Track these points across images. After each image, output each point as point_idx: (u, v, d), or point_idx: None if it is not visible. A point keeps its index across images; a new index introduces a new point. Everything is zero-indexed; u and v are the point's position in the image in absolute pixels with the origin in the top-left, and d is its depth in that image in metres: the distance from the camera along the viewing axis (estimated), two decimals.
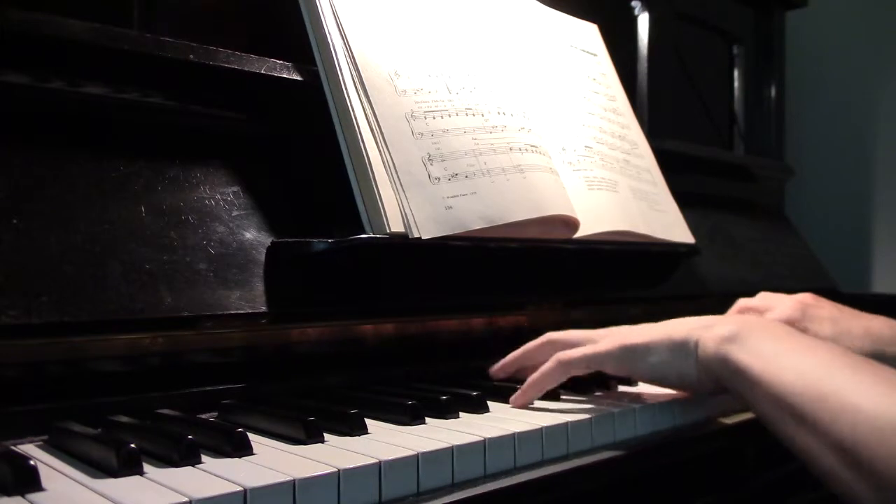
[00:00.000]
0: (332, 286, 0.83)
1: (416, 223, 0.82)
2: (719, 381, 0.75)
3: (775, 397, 0.68)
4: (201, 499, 0.48)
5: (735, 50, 1.87)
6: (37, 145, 0.74)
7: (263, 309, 0.79)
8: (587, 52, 1.24)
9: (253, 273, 0.80)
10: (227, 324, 0.77)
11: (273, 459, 0.58)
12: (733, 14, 1.84)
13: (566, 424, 0.71)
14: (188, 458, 0.56)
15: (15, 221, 0.68)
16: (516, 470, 0.65)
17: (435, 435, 0.65)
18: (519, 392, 0.80)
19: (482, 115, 0.94)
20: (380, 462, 0.57)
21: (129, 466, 0.54)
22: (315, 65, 0.87)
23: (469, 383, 0.86)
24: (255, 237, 0.82)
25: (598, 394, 0.87)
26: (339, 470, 0.54)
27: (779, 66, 1.92)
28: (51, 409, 0.67)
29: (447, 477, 0.61)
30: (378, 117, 0.85)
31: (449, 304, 0.97)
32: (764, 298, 1.06)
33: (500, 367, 0.90)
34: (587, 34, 1.27)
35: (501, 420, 0.72)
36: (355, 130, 0.84)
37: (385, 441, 0.63)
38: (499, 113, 0.97)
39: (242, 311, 0.77)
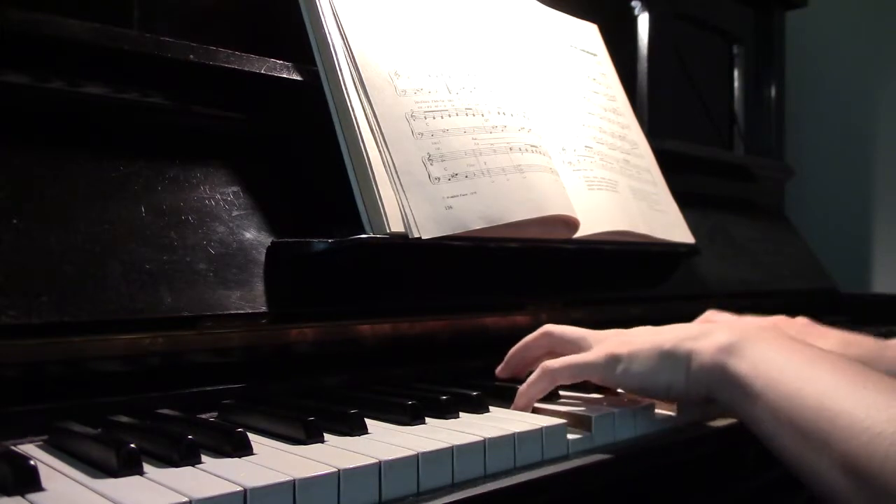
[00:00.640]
0: (332, 286, 0.83)
1: (416, 223, 0.82)
2: (712, 392, 0.72)
3: (776, 411, 0.65)
4: (201, 499, 0.48)
5: (735, 50, 1.87)
6: (37, 145, 0.74)
7: (263, 309, 0.79)
8: (587, 52, 1.24)
9: (253, 273, 0.80)
10: (227, 324, 0.77)
11: (273, 459, 0.58)
12: (733, 14, 1.85)
13: (566, 424, 0.71)
14: (188, 458, 0.56)
15: (15, 221, 0.68)
16: (516, 470, 0.65)
17: (435, 435, 0.65)
18: (514, 404, 0.79)
19: (482, 115, 0.94)
20: (380, 462, 0.57)
21: (129, 466, 0.54)
22: (315, 65, 0.87)
23: (469, 383, 0.86)
24: (255, 237, 0.82)
25: (598, 394, 0.86)
26: (339, 470, 0.54)
27: (779, 66, 1.92)
28: (51, 409, 0.67)
29: (447, 477, 0.61)
30: (378, 117, 0.85)
31: (449, 305, 0.97)
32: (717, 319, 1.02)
33: (504, 365, 0.88)
34: (587, 34, 1.27)
35: (501, 420, 0.71)
36: (355, 130, 0.84)
37: (385, 441, 0.63)
38: (499, 113, 0.97)
39: (242, 311, 0.77)
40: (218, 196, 0.83)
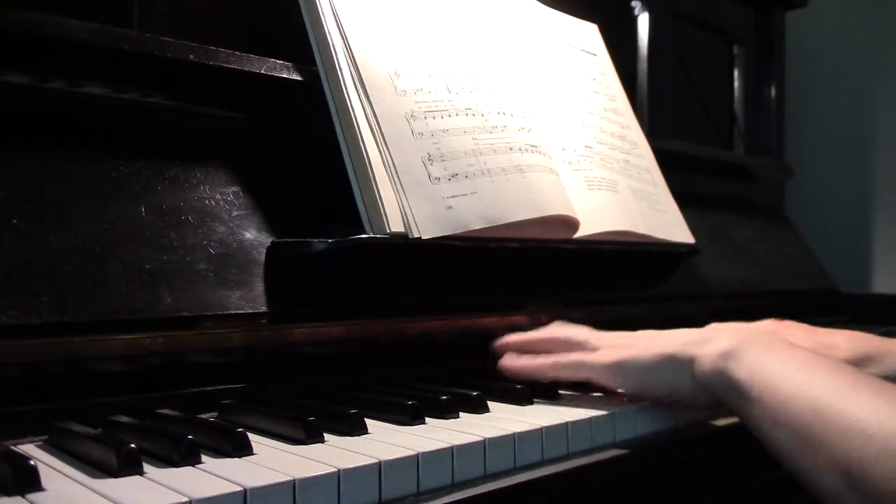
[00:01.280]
0: (332, 286, 0.83)
1: (416, 223, 0.82)
2: (716, 397, 0.73)
3: (773, 415, 0.66)
4: (201, 499, 0.48)
5: (735, 50, 1.87)
6: (37, 145, 0.74)
7: (263, 309, 0.79)
8: (587, 52, 1.24)
9: (253, 273, 0.80)
10: (227, 324, 0.77)
11: (273, 459, 0.58)
12: (733, 14, 1.85)
13: (566, 424, 0.71)
14: (188, 458, 0.56)
15: (15, 221, 0.68)
16: (516, 470, 0.65)
17: (435, 435, 0.65)
18: (515, 361, 0.82)
19: (482, 115, 0.94)
20: (380, 462, 0.57)
21: (129, 466, 0.54)
22: (315, 65, 0.87)
23: (469, 383, 0.86)
24: (255, 237, 0.82)
25: (598, 394, 0.86)
26: (339, 470, 0.54)
27: (779, 66, 1.93)
28: (51, 409, 0.67)
29: (447, 477, 0.61)
30: (378, 117, 0.85)
31: (449, 305, 0.97)
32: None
33: (502, 342, 0.90)
34: (587, 34, 1.27)
35: (501, 420, 0.71)
36: (355, 130, 0.84)
37: (385, 441, 0.63)
38: (499, 113, 0.97)
39: (242, 311, 0.77)
40: (218, 196, 0.83)
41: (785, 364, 0.69)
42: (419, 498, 0.58)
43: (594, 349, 0.81)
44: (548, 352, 0.85)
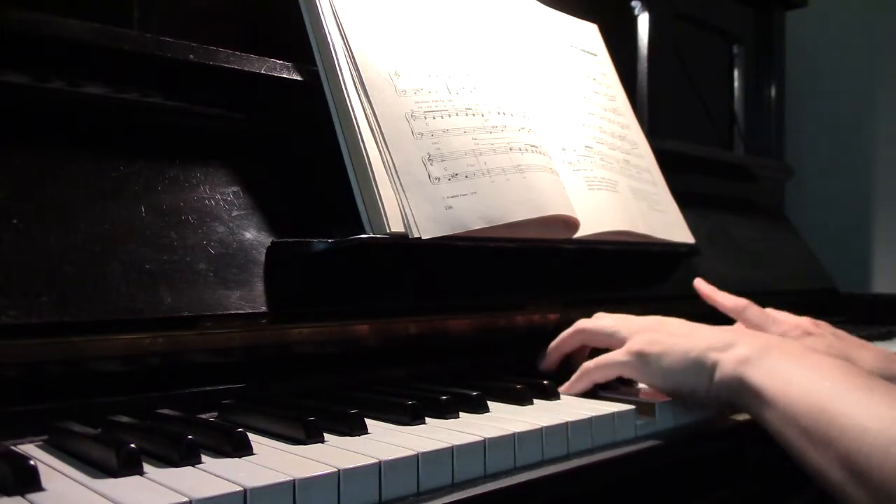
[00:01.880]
0: (332, 286, 0.83)
1: (415, 223, 0.82)
2: (734, 401, 0.78)
3: (785, 415, 0.71)
4: (201, 499, 0.48)
5: (735, 50, 1.87)
6: (37, 145, 0.74)
7: (263, 309, 0.79)
8: (587, 52, 1.24)
9: (253, 273, 0.80)
10: (227, 324, 0.77)
11: (273, 459, 0.58)
12: (733, 14, 1.85)
13: (566, 424, 0.71)
14: (188, 458, 0.56)
15: (15, 221, 0.68)
16: (516, 470, 0.65)
17: (435, 435, 0.65)
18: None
19: (482, 115, 0.94)
20: (380, 462, 0.57)
21: (129, 466, 0.54)
22: (315, 65, 0.87)
23: (469, 383, 0.86)
24: (255, 237, 0.82)
25: (600, 393, 0.87)
26: (339, 470, 0.54)
27: (779, 66, 1.93)
28: (51, 409, 0.67)
29: (447, 477, 0.61)
30: (378, 117, 0.85)
31: (449, 304, 0.97)
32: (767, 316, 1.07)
33: (545, 359, 0.96)
34: (587, 34, 1.27)
35: (501, 420, 0.71)
36: (355, 130, 0.84)
37: (385, 441, 0.63)
38: (499, 113, 0.97)
39: (242, 311, 0.77)
40: (218, 196, 0.83)
41: (797, 368, 0.73)
42: (419, 498, 0.58)
43: (622, 340, 0.86)
44: (581, 344, 0.93)
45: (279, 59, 0.89)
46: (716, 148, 1.78)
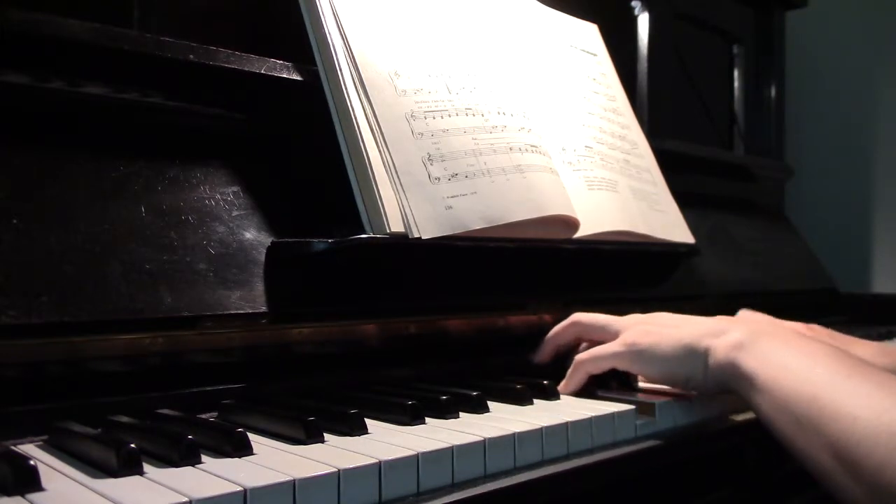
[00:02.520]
0: (331, 286, 0.83)
1: (415, 223, 0.82)
2: (727, 386, 0.78)
3: (777, 401, 0.71)
4: (201, 499, 0.48)
5: (735, 50, 1.87)
6: (37, 145, 0.74)
7: (263, 309, 0.79)
8: (587, 52, 1.24)
9: (253, 273, 0.80)
10: (227, 324, 0.77)
11: (273, 459, 0.58)
12: (733, 14, 1.85)
13: (566, 424, 0.71)
14: (188, 458, 0.56)
15: (15, 221, 0.68)
16: (516, 470, 0.65)
17: (435, 435, 0.65)
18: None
19: (482, 115, 0.94)
20: (380, 462, 0.57)
21: (129, 466, 0.54)
22: (315, 65, 0.87)
23: (469, 383, 0.86)
24: (255, 237, 0.82)
25: (599, 393, 0.87)
26: (339, 470, 0.54)
27: (779, 66, 1.93)
28: (51, 409, 0.67)
29: (447, 477, 0.61)
30: (378, 117, 0.85)
31: (449, 305, 0.97)
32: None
33: (539, 353, 0.96)
34: (587, 34, 1.27)
35: (501, 420, 0.71)
36: (355, 130, 0.84)
37: (385, 441, 0.63)
38: (499, 113, 0.97)
39: (242, 311, 0.77)
40: (218, 196, 0.83)
41: (790, 354, 0.73)
42: (419, 498, 0.58)
43: (616, 333, 0.87)
44: (575, 337, 0.93)
45: (279, 59, 0.89)
46: (716, 148, 1.78)
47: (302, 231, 0.84)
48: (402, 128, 0.87)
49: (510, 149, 0.94)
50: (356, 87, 0.86)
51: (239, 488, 0.50)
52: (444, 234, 0.84)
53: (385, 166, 0.84)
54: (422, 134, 0.88)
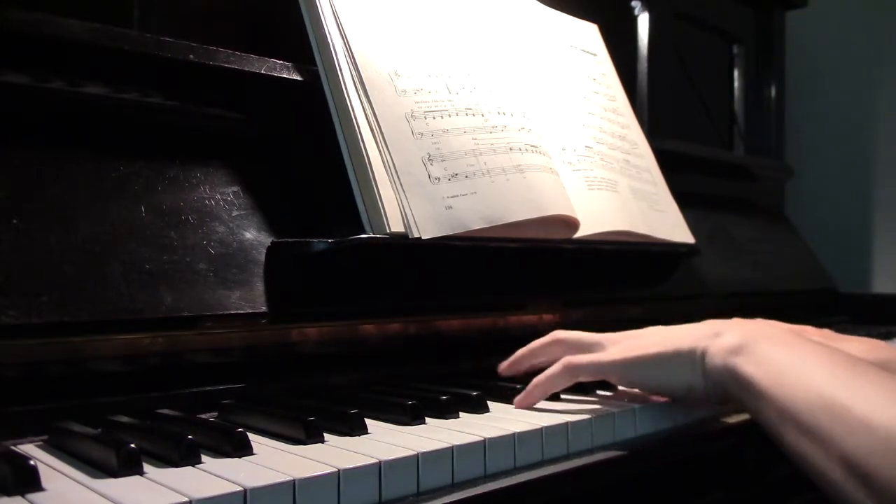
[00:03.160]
0: (332, 286, 0.83)
1: (416, 223, 0.82)
2: (727, 393, 0.74)
3: (781, 409, 0.67)
4: (201, 499, 0.48)
5: (735, 50, 1.87)
6: (37, 145, 0.74)
7: (263, 309, 0.79)
8: (587, 52, 1.24)
9: (253, 273, 0.80)
10: (227, 324, 0.77)
11: (273, 459, 0.58)
12: (733, 14, 1.85)
13: (566, 424, 0.71)
14: (188, 458, 0.56)
15: (15, 221, 0.68)
16: (516, 470, 0.65)
17: (435, 435, 0.65)
18: (523, 393, 0.79)
19: (482, 115, 0.94)
20: (380, 462, 0.57)
21: (129, 466, 0.54)
22: (315, 65, 0.87)
23: (469, 383, 0.86)
24: (255, 237, 0.82)
25: (598, 393, 0.87)
26: (339, 470, 0.54)
27: (779, 66, 1.93)
28: (51, 409, 0.67)
29: (447, 477, 0.61)
30: (378, 117, 0.85)
31: (449, 305, 0.97)
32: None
33: (508, 364, 0.89)
34: (587, 34, 1.27)
35: (501, 420, 0.71)
36: (355, 130, 0.84)
37: (385, 441, 0.63)
38: (499, 113, 0.97)
39: (242, 311, 0.77)
40: (218, 196, 0.83)
41: (792, 357, 0.69)
42: (419, 498, 0.58)
43: (604, 348, 0.81)
44: (555, 356, 0.83)
45: (279, 59, 0.89)
46: (716, 148, 1.78)
47: (302, 231, 0.84)
48: (402, 128, 0.87)
49: (510, 149, 0.94)
50: (356, 87, 0.86)
51: (239, 488, 0.50)
52: (444, 234, 0.84)
53: (385, 166, 0.84)
54: (422, 134, 0.88)
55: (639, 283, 1.19)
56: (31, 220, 0.69)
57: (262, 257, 0.81)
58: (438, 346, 0.95)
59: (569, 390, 0.86)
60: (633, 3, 1.55)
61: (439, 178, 0.86)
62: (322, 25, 0.87)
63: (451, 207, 0.85)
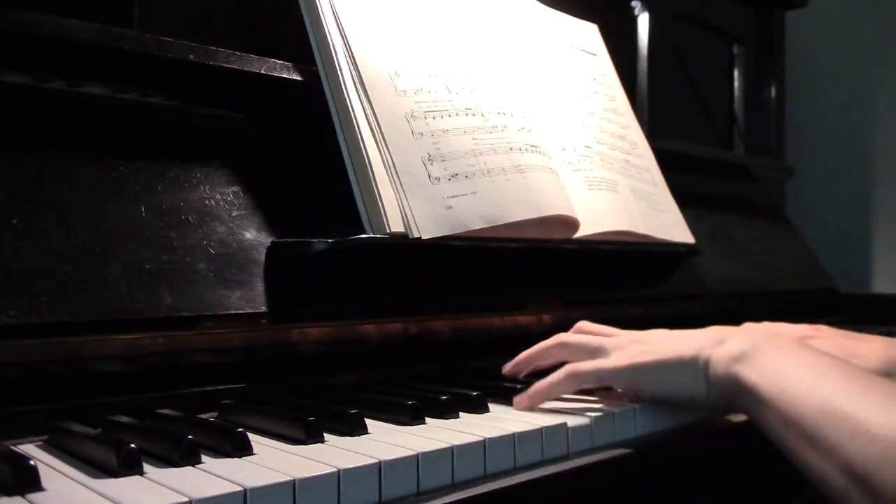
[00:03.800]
0: (332, 286, 0.83)
1: (416, 223, 0.82)
2: (731, 401, 0.74)
3: (785, 417, 0.67)
4: (201, 499, 0.48)
5: (735, 50, 1.87)
6: (37, 145, 0.74)
7: (263, 309, 0.79)
8: (587, 52, 1.24)
9: (253, 273, 0.80)
10: (227, 324, 0.77)
11: (273, 459, 0.58)
12: (733, 14, 1.85)
13: (566, 424, 0.71)
14: (188, 458, 0.56)
15: (15, 221, 0.68)
16: (516, 470, 0.65)
17: (435, 435, 0.65)
18: (525, 396, 0.79)
19: (482, 115, 0.94)
20: (380, 462, 0.57)
21: (129, 466, 0.54)
22: (315, 65, 0.87)
23: (469, 383, 0.86)
24: (255, 237, 0.82)
25: (598, 393, 0.86)
26: (339, 470, 0.54)
27: (779, 66, 1.93)
28: (51, 409, 0.67)
29: (447, 477, 0.61)
30: (378, 117, 0.85)
31: (449, 304, 0.97)
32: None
33: (513, 365, 0.89)
34: (587, 34, 1.27)
35: (501, 420, 0.71)
36: (355, 130, 0.84)
37: (385, 441, 0.63)
38: (499, 113, 0.97)
39: (242, 311, 0.77)
40: (218, 196, 0.83)
41: (796, 366, 0.69)
42: (419, 498, 0.58)
43: (608, 354, 0.81)
44: (559, 359, 0.84)
45: (279, 59, 0.89)
46: (716, 148, 1.78)
47: (302, 231, 0.84)
48: (402, 128, 0.87)
49: (510, 149, 0.94)
50: (356, 87, 0.86)
51: (239, 488, 0.50)
52: (444, 234, 0.84)
53: (385, 166, 0.84)
54: (422, 134, 0.88)
55: (639, 283, 1.19)
56: (31, 220, 0.69)
57: (262, 257, 0.81)
58: (438, 346, 0.95)
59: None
60: (633, 3, 1.55)
61: (439, 178, 0.86)
62: (322, 25, 0.87)
63: (451, 207, 0.85)
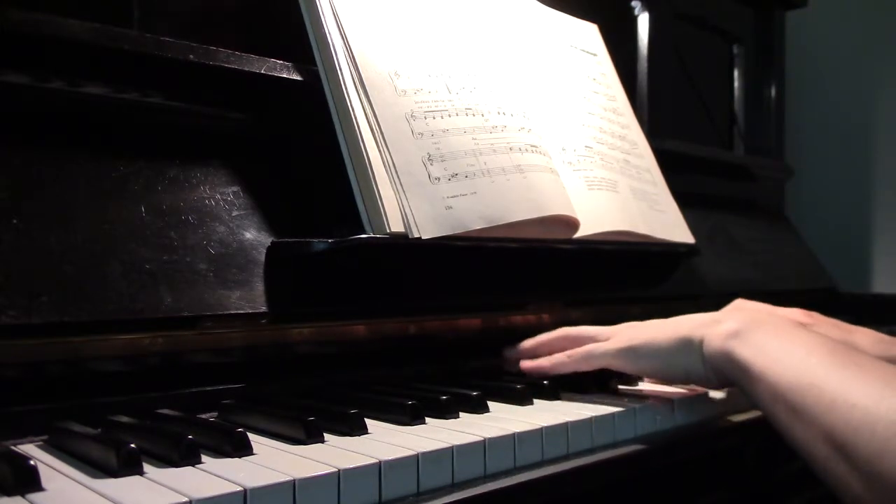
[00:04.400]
0: (332, 286, 0.83)
1: (416, 223, 0.82)
2: (724, 376, 0.77)
3: (773, 390, 0.70)
4: (201, 499, 0.49)
5: (735, 50, 1.87)
6: (37, 145, 0.74)
7: (263, 309, 0.79)
8: (587, 52, 1.24)
9: (253, 273, 0.80)
10: (227, 324, 0.77)
11: (273, 459, 0.58)
12: (733, 14, 1.85)
13: (566, 424, 0.71)
14: (188, 458, 0.56)
15: (15, 221, 0.68)
16: (516, 470, 0.65)
17: (435, 435, 0.65)
18: (534, 361, 0.87)
19: (482, 115, 0.94)
20: (380, 462, 0.57)
21: (129, 466, 0.54)
22: (315, 65, 0.87)
23: (469, 383, 0.86)
24: (255, 237, 0.82)
25: (598, 394, 0.87)
26: (339, 470, 0.54)
27: (779, 66, 1.92)
28: (51, 409, 0.67)
29: (447, 477, 0.61)
30: (378, 117, 0.85)
31: (449, 305, 0.97)
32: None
33: (515, 351, 0.94)
34: (587, 34, 1.27)
35: (501, 420, 0.72)
36: (355, 130, 0.84)
37: (385, 441, 0.63)
38: (499, 113, 0.97)
39: (242, 311, 0.77)
40: (218, 196, 0.83)
41: (786, 343, 0.73)
42: (419, 498, 0.58)
43: (609, 339, 0.86)
44: (561, 350, 0.89)
45: (279, 59, 0.89)
46: (716, 148, 1.78)
47: (302, 231, 0.84)
48: (402, 128, 0.87)
49: (510, 149, 0.94)
50: (356, 87, 0.86)
51: (239, 488, 0.50)
52: (444, 234, 0.84)
53: (385, 166, 0.84)
54: (422, 134, 0.88)
55: (639, 283, 1.19)
56: (31, 220, 0.69)
57: (262, 257, 0.81)
58: (438, 346, 0.95)
59: (569, 390, 0.86)
60: (633, 3, 1.55)
61: (439, 178, 0.86)
62: (322, 25, 0.88)
63: (451, 207, 0.85)
